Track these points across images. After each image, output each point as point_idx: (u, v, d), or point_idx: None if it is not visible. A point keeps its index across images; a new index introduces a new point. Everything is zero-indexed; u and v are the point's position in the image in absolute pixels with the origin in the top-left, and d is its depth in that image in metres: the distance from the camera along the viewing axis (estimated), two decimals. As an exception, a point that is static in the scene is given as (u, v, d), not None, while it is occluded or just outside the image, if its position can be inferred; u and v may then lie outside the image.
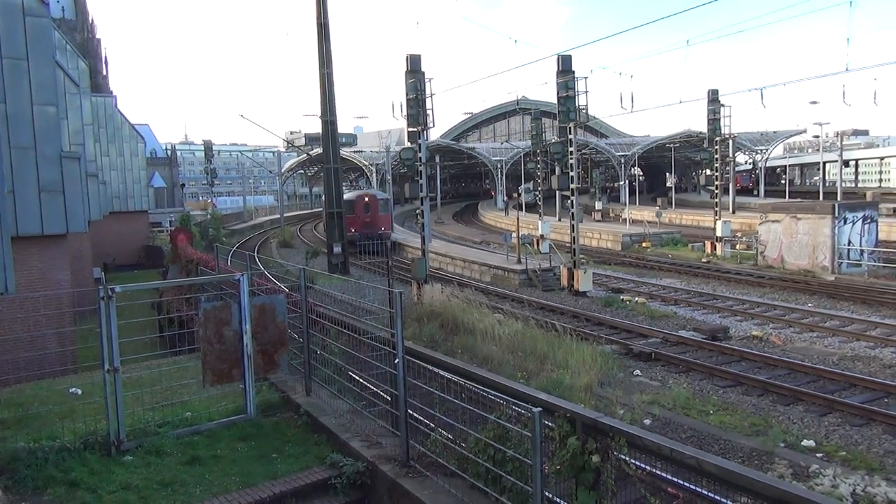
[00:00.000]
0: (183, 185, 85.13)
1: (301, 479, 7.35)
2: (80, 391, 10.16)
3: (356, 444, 7.83)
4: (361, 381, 8.71)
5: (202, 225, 48.14)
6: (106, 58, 70.21)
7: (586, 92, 26.89)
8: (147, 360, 11.22)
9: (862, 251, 27.05)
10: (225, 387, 9.21)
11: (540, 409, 5.33)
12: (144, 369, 10.16)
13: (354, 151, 75.62)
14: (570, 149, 26.18)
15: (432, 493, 6.52)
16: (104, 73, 68.79)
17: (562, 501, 5.85)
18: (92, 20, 71.23)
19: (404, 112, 23.31)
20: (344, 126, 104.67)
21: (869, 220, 27.56)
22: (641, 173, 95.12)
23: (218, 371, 8.78)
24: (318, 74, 29.14)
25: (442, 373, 7.11)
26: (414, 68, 22.78)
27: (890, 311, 20.25)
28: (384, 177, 64.57)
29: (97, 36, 69.94)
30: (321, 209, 59.46)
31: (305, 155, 64.71)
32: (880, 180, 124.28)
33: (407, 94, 22.86)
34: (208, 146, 71.36)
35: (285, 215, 66.74)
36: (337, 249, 29.85)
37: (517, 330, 15.98)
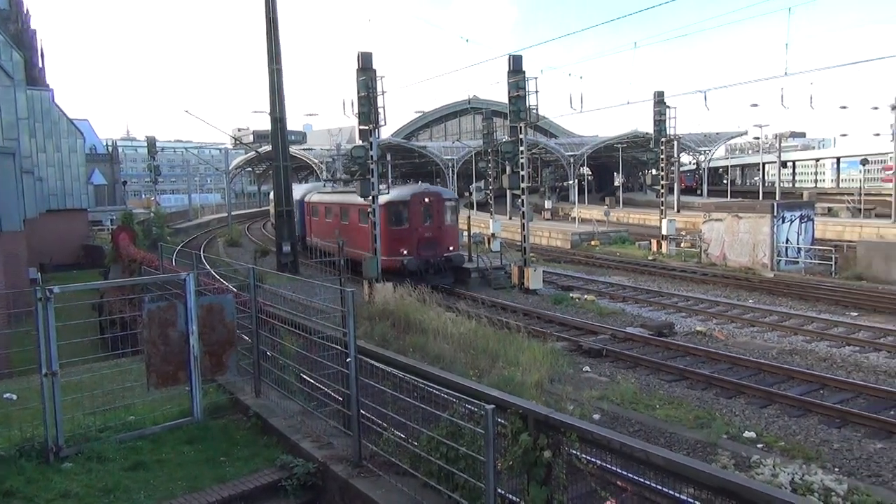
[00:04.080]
0: (125, 182, 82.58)
1: (250, 482, 7.21)
2: (14, 396, 9.74)
3: (307, 445, 7.72)
4: (313, 381, 8.59)
5: (145, 223, 46.77)
6: (42, 50, 67.33)
7: (537, 92, 27.20)
8: (88, 363, 10.81)
9: (799, 249, 28.12)
10: (170, 389, 8.95)
11: (492, 406, 5.36)
12: (85, 373, 9.79)
13: (304, 149, 74.63)
14: (521, 148, 26.43)
15: (385, 492, 6.48)
16: (40, 65, 65.97)
17: (514, 497, 5.89)
18: (27, 10, 68.31)
19: (355, 110, 23.12)
20: (293, 123, 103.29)
21: (806, 219, 28.69)
22: (590, 173, 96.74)
23: (163, 373, 8.53)
24: (267, 71, 28.66)
25: (394, 371, 7.07)
26: (365, 66, 22.61)
27: (825, 306, 21.11)
28: (334, 175, 63.97)
29: (32, 27, 67.02)
30: (270, 207, 56.62)
31: (254, 152, 63.56)
32: (816, 181, 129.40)
33: (358, 92, 22.68)
34: (151, 142, 69.35)
35: (233, 214, 65.40)
36: (286, 248, 29.41)
37: (469, 328, 16.04)
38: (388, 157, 57.14)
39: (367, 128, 22.94)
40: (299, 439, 7.92)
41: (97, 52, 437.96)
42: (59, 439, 7.70)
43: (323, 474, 7.26)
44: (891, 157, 57.65)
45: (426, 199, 25.51)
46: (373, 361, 7.30)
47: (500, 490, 5.71)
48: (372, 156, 22.99)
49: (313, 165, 74.03)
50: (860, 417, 11.30)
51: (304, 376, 8.76)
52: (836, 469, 9.34)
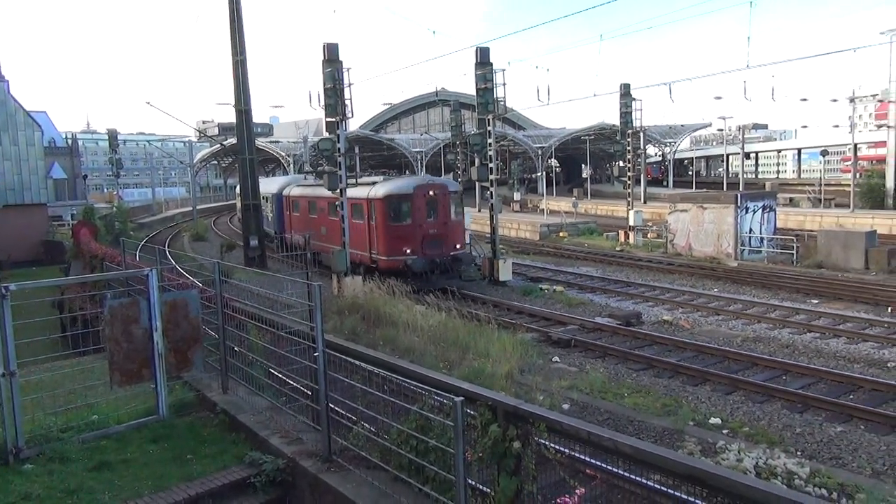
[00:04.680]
0: (85, 176, 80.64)
1: (218, 480, 7.12)
2: (-29, 397, 9.45)
3: (276, 441, 7.65)
4: (281, 376, 8.51)
5: (107, 218, 45.81)
6: (-4, 40, 65.33)
7: (504, 84, 27.20)
8: (48, 361, 10.55)
9: (762, 238, 28.70)
10: (135, 387, 8.79)
11: (462, 398, 5.36)
12: (45, 372, 9.56)
13: (271, 142, 73.78)
14: (489, 140, 26.45)
15: (355, 486, 6.46)
16: (-5, 56, 64.03)
17: (484, 488, 5.91)
18: (-20, -1, 66.09)
19: (322, 102, 22.86)
20: (259, 115, 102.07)
21: (768, 210, 29.29)
22: (558, 165, 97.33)
23: (126, 371, 8.37)
24: (231, 62, 28.18)
25: (363, 365, 7.03)
26: (331, 57, 22.36)
27: (787, 294, 21.59)
28: (302, 168, 63.35)
29: (-14, 16, 64.93)
30: (236, 201, 55.40)
31: (219, 145, 62.59)
32: (778, 172, 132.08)
33: (324, 84, 22.42)
34: (113, 135, 67.87)
35: (198, 208, 64.37)
36: (253, 242, 29.03)
37: (439, 320, 16.03)
38: (357, 150, 56.78)
39: (334, 120, 22.68)
40: (268, 435, 7.84)
41: (54, 42, 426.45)
42: (19, 440, 7.51)
43: (292, 470, 7.20)
44: (849, 149, 59.15)
45: (430, 192, 22.71)
46: (341, 355, 7.25)
47: (470, 481, 5.72)
48: (339, 148, 22.76)
49: (280, 158, 73.20)
50: (821, 402, 11.58)
51: (273, 372, 8.68)
52: (799, 453, 9.56)
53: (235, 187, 51.13)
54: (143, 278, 8.59)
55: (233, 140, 41.23)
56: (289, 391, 8.25)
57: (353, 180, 26.15)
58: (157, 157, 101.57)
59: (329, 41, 22.65)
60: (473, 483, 5.92)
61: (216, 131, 61.43)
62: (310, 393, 7.66)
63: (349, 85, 22.47)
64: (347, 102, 22.53)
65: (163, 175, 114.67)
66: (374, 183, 23.91)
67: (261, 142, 65.77)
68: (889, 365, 13.78)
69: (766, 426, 10.70)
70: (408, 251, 21.94)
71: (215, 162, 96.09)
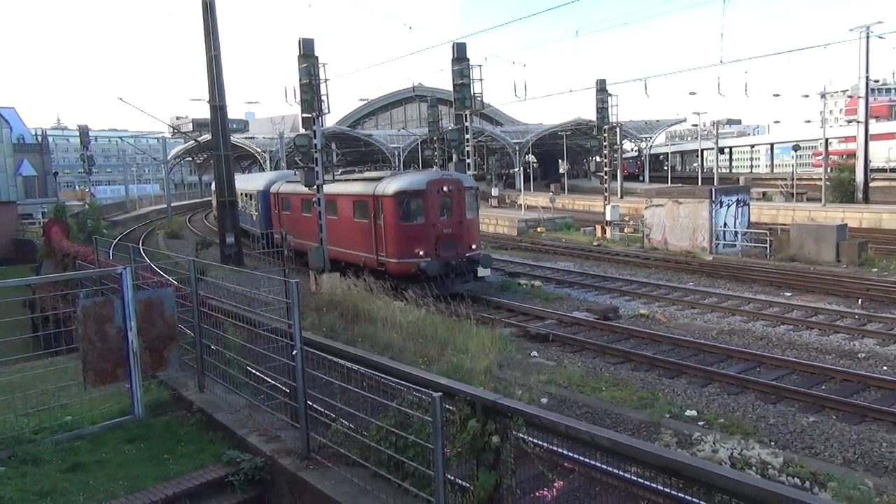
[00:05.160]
0: (56, 173, 79.17)
1: (195, 479, 7.06)
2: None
3: (254, 440, 7.61)
4: (259, 374, 8.45)
5: (79, 216, 45.08)
6: (-38, 34, 63.87)
7: (481, 80, 27.31)
8: (19, 362, 10.37)
9: (736, 232, 29.08)
10: (109, 387, 8.67)
11: (440, 393, 5.37)
12: (17, 372, 9.39)
13: (246, 138, 73.01)
14: (467, 136, 26.48)
15: (334, 483, 6.44)
16: (-39, 50, 62.58)
17: (463, 482, 5.93)
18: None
19: (298, 97, 22.70)
20: (234, 111, 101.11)
21: (742, 204, 29.66)
22: (535, 160, 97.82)
23: (101, 371, 8.25)
24: (205, 57, 27.84)
25: (342, 362, 7.01)
26: (307, 53, 22.20)
27: (761, 287, 21.92)
28: (278, 164, 62.88)
29: (-49, 10, 63.44)
30: (212, 198, 54.10)
31: (193, 141, 61.83)
32: (751, 166, 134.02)
33: (300, 79, 22.26)
34: (84, 131, 66.74)
35: (173, 205, 63.60)
36: (230, 239, 28.76)
37: (418, 316, 16.02)
38: (333, 146, 56.52)
39: (310, 116, 22.54)
40: (246, 434, 7.79)
41: (23, 37, 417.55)
42: (-10, 443, 7.37)
43: (271, 468, 7.16)
44: (820, 143, 60.16)
45: (444, 188, 20.76)
46: (320, 352, 7.23)
47: (449, 476, 5.74)
48: (316, 144, 22.63)
49: (256, 154, 72.54)
50: (794, 393, 11.79)
51: (250, 369, 8.62)
52: (773, 443, 9.73)
53: (211, 184, 50.48)
54: (117, 277, 8.47)
55: (207, 136, 40.75)
56: (267, 389, 8.20)
57: (347, 176, 25.25)
58: (130, 153, 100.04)
59: (305, 36, 22.48)
60: (453, 478, 5.94)
61: (190, 127, 60.67)
62: (288, 390, 7.62)
63: (325, 80, 22.34)
64: (324, 98, 22.39)
65: (136, 172, 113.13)
66: (380, 178, 21.84)
67: (236, 138, 65.08)
68: (859, 356, 14.07)
69: (740, 417, 10.87)
70: (420, 253, 20.07)
71: (190, 158, 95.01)
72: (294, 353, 6.94)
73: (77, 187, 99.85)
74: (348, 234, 22.71)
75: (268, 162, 67.61)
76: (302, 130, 24.12)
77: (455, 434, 5.86)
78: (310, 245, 24.09)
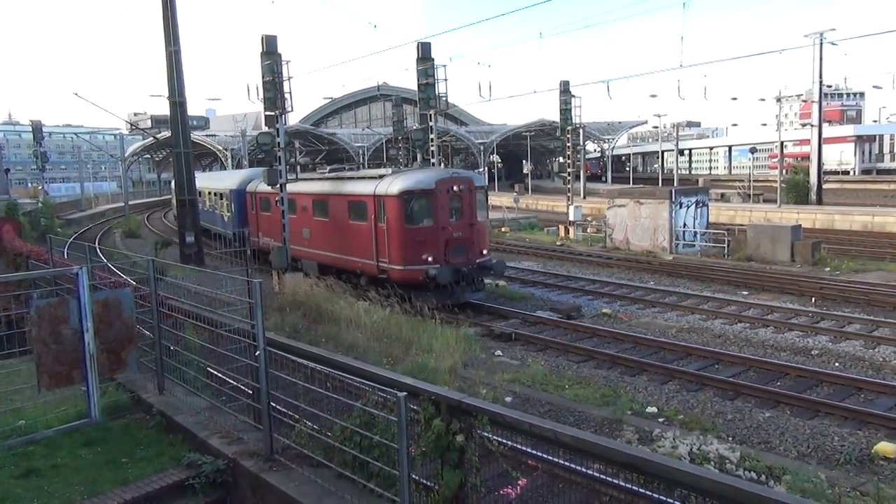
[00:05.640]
0: (7, 170, 76.66)
1: (155, 483, 6.93)
2: None
3: (216, 442, 7.50)
4: (221, 375, 8.34)
5: (32, 214, 43.68)
6: None
7: (446, 80, 27.32)
8: (-31, 365, 10.03)
9: (695, 233, 29.68)
10: (65, 390, 8.46)
11: (405, 393, 5.37)
12: (-34, 376, 9.10)
13: (207, 135, 71.83)
14: (431, 136, 26.49)
15: (297, 485, 6.39)
16: None
17: (428, 482, 5.94)
18: None
19: (261, 95, 22.41)
20: (195, 108, 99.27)
21: (701, 205, 30.29)
22: (500, 160, 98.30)
23: (55, 374, 8.04)
24: (165, 52, 27.29)
25: (305, 363, 6.95)
26: (270, 50, 21.94)
27: (719, 286, 22.41)
28: (240, 162, 62.00)
29: None
30: (171, 196, 52.53)
31: (152, 138, 60.54)
32: (710, 168, 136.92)
33: (263, 77, 21.98)
34: (37, 127, 64.86)
35: (131, 203, 62.19)
36: (190, 238, 28.24)
37: (382, 316, 15.98)
38: (297, 145, 55.89)
39: (273, 114, 22.29)
40: (207, 436, 7.68)
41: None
42: (-62, 449, 7.12)
43: (233, 470, 7.07)
44: (776, 146, 61.78)
45: (455, 187, 18.91)
46: (283, 353, 7.16)
47: (414, 476, 5.74)
48: (279, 143, 22.38)
49: (217, 152, 71.40)
50: (751, 389, 12.08)
51: (212, 371, 8.49)
52: (730, 438, 9.95)
53: (171, 182, 49.42)
54: (73, 277, 8.26)
55: (167, 133, 39.93)
56: (229, 390, 8.09)
57: (340, 174, 23.32)
58: (86, 150, 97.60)
59: (267, 33, 22.22)
60: (417, 478, 5.94)
61: (149, 124, 59.42)
62: (251, 392, 7.54)
63: (289, 78, 22.10)
64: (287, 96, 22.16)
65: (92, 169, 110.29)
66: (381, 176, 19.88)
67: (196, 135, 63.98)
68: (813, 353, 14.48)
69: (699, 413, 11.10)
70: (429, 259, 18.28)
71: (148, 156, 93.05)
72: (257, 353, 6.87)
73: (30, 185, 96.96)
74: (343, 238, 20.97)
75: (229, 160, 66.57)
76: (265, 128, 23.83)
77: (420, 433, 5.87)
78: (294, 249, 22.88)
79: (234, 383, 8.04)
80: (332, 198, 21.80)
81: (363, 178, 21.12)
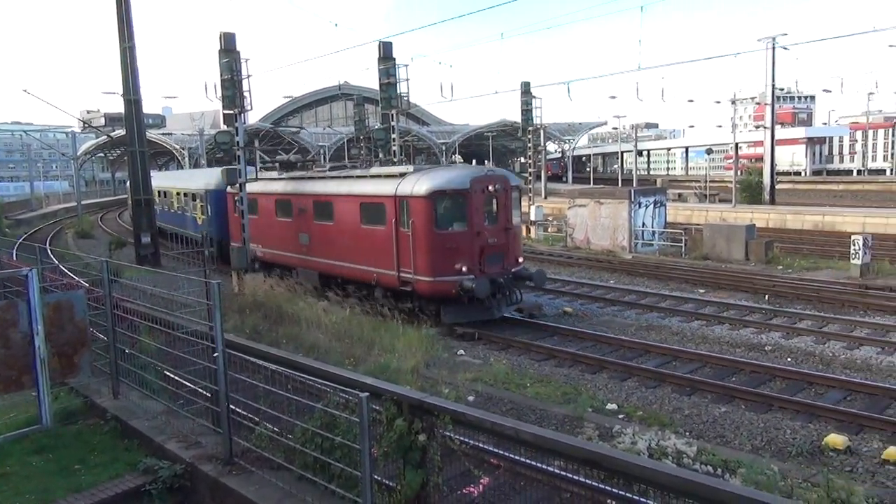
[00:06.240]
0: (-46, 169, 74.00)
1: (110, 490, 6.76)
2: None
3: (173, 446, 7.35)
4: (178, 378, 8.18)
5: (-21, 215, 42.25)
6: None
7: (407, 79, 27.30)
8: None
9: (654, 232, 30.21)
10: (14, 396, 8.20)
11: (367, 393, 5.35)
12: None
13: (163, 133, 70.45)
14: (393, 135, 26.44)
15: (258, 488, 6.31)
16: None
17: (390, 482, 5.92)
18: None
19: (219, 93, 22.07)
20: (151, 106, 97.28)
21: (659, 205, 30.85)
22: (462, 160, 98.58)
23: (4, 379, 7.78)
24: (119, 49, 26.63)
25: (266, 364, 6.87)
26: (228, 47, 21.61)
27: (677, 284, 22.85)
28: (198, 162, 60.94)
29: None
30: (126, 196, 50.73)
31: (106, 137, 59.05)
32: (668, 169, 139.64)
33: (221, 75, 21.64)
34: (-15, 125, 62.60)
35: (84, 203, 60.55)
36: (146, 239, 27.62)
37: (343, 317, 15.88)
38: (256, 144, 55.12)
39: (232, 112, 21.97)
40: (164, 440, 7.53)
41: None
42: None
43: (191, 475, 6.94)
44: (731, 147, 63.30)
45: (490, 188, 16.84)
46: (243, 355, 7.06)
47: (376, 476, 5.72)
48: (238, 142, 22.06)
49: (174, 151, 70.02)
50: (707, 385, 12.35)
51: (169, 374, 8.33)
52: (687, 433, 10.15)
53: (126, 182, 48.16)
54: (22, 279, 8.01)
55: (121, 131, 38.93)
56: (187, 394, 7.95)
57: (347, 172, 21.19)
58: (36, 148, 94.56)
59: (226, 30, 21.89)
60: (379, 478, 5.92)
61: (103, 122, 57.99)
62: (209, 395, 7.41)
63: (248, 76, 21.81)
64: (246, 94, 21.86)
65: (42, 168, 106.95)
66: (402, 174, 17.52)
67: (152, 133, 62.76)
68: (766, 348, 14.88)
69: (658, 409, 11.30)
70: (463, 269, 16.17)
71: (102, 154, 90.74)
72: (215, 355, 6.76)
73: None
74: (351, 245, 18.57)
75: (187, 159, 65.37)
76: (223, 127, 23.44)
77: (382, 434, 5.85)
78: (288, 256, 21.33)
79: (192, 386, 7.89)
80: (339, 199, 19.26)
81: (378, 176, 18.69)
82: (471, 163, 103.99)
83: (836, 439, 9.61)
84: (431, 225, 16.32)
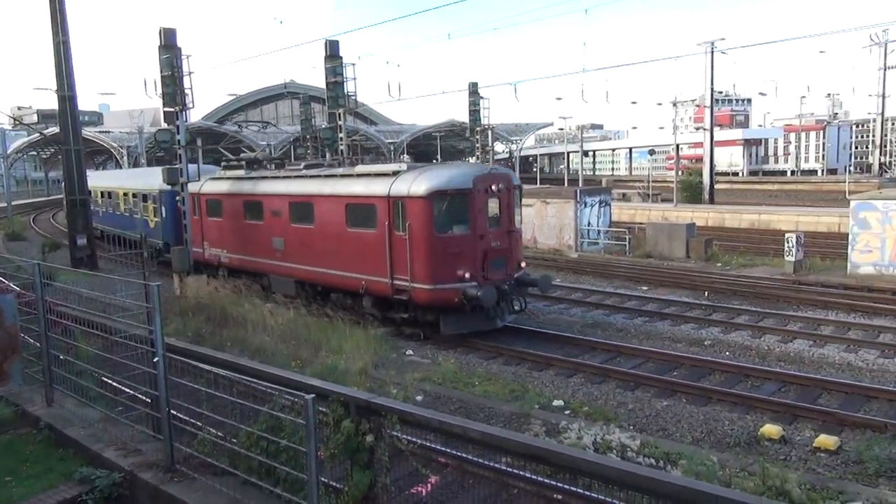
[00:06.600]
0: None
1: (43, 501, 6.51)
2: None
3: (111, 454, 7.12)
4: (116, 384, 7.91)
5: None
6: None
7: (355, 78, 27.12)
8: None
9: (599, 231, 30.81)
10: (-62, 406, 7.78)
11: (313, 395, 5.28)
12: None
13: (100, 131, 68.02)
14: (340, 135, 26.21)
15: (201, 494, 6.17)
16: None
17: (337, 484, 5.87)
18: None
19: (159, 90, 21.44)
20: (87, 103, 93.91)
21: (604, 204, 31.49)
22: (410, 161, 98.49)
23: (-73, 388, 7.38)
24: (52, 43, 25.61)
25: (209, 368, 6.71)
26: (168, 43, 21.00)
27: (621, 282, 23.35)
28: (137, 160, 59.16)
29: None
30: (61, 196, 48.46)
31: (38, 134, 56.70)
32: (612, 169, 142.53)
33: (162, 71, 21.02)
34: None
35: (15, 203, 58.01)
36: (81, 241, 26.65)
37: (290, 318, 15.66)
38: (199, 143, 53.84)
39: (173, 110, 21.37)
40: (102, 448, 7.28)
41: None
42: None
43: (130, 483, 6.73)
44: (673, 148, 65.07)
45: (494, 187, 15.65)
46: (184, 359, 6.88)
47: (323, 479, 5.66)
48: (180, 140, 21.48)
49: (112, 150, 67.73)
50: (650, 380, 12.66)
51: (106, 380, 8.05)
52: (631, 427, 10.39)
53: (60, 181, 46.24)
54: (-54, 283, 7.62)
55: (55, 129, 37.47)
56: (125, 400, 7.70)
57: (328, 170, 19.41)
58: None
59: (166, 26, 21.30)
60: (327, 480, 5.87)
61: (35, 119, 55.62)
62: (149, 400, 7.20)
63: (189, 73, 21.26)
64: (188, 92, 21.30)
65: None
66: (394, 172, 16.20)
67: (88, 131, 60.56)
68: (706, 343, 15.35)
69: (603, 405, 11.52)
70: (466, 275, 15.00)
71: (35, 153, 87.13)
72: (156, 360, 6.57)
73: None
74: (335, 250, 17.24)
75: (125, 158, 63.31)
76: (164, 125, 22.78)
77: (329, 436, 5.79)
78: (258, 262, 20.16)
79: (132, 392, 7.65)
80: (321, 200, 17.81)
81: (367, 175, 17.17)
82: (420, 162, 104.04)
83: (771, 429, 9.98)
84: (431, 228, 15.08)
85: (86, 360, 8.16)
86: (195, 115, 71.14)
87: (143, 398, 7.39)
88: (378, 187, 16.07)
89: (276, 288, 19.27)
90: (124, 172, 50.17)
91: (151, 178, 28.57)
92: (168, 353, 6.64)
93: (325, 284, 17.96)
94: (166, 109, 21.47)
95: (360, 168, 18.54)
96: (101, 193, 35.36)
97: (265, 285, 20.00)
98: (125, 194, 31.55)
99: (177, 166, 21.50)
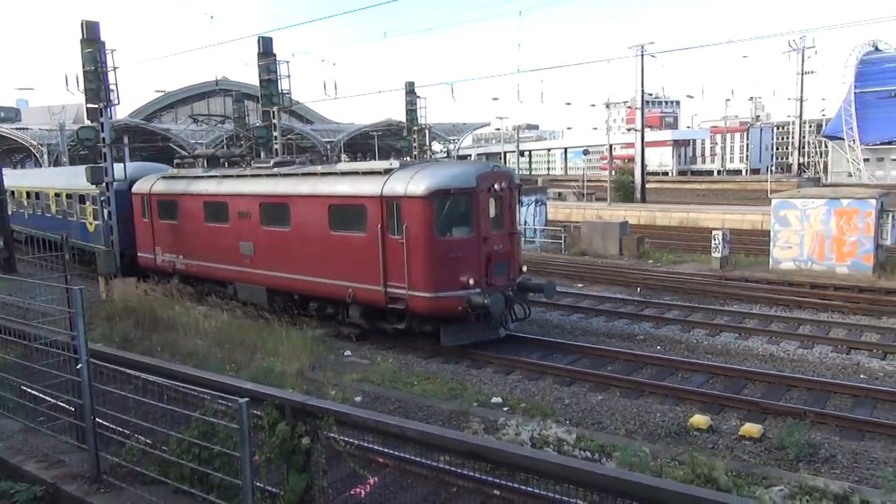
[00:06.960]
0: None
1: (-44, 520, 6.13)
2: None
3: (31, 467, 6.78)
4: (37, 393, 7.53)
5: None
6: None
7: (289, 76, 26.71)
8: None
9: (535, 230, 31.28)
10: None
11: (247, 399, 5.17)
12: None
13: (18, 128, 64.73)
14: (275, 134, 25.75)
15: (129, 505, 5.94)
16: None
17: (273, 489, 5.76)
18: None
19: (81, 85, 20.56)
20: (3, 98, 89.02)
21: (540, 203, 32.04)
22: (348, 160, 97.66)
23: None
24: (-36, 34, 24.20)
25: (137, 373, 6.47)
26: (91, 37, 20.16)
27: (557, 279, 23.63)
28: (58, 159, 56.57)
29: None
30: None
31: (-49, 131, 53.52)
32: (548, 168, 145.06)
33: (84, 66, 20.16)
34: None
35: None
36: (-1, 243, 25.30)
37: (224, 321, 15.30)
38: (126, 140, 51.91)
39: (96, 106, 20.53)
40: (21, 461, 6.92)
41: None
42: None
43: (53, 496, 6.43)
44: (606, 149, 66.72)
45: (496, 186, 14.53)
46: (111, 365, 6.62)
47: (258, 483, 5.54)
48: (104, 138, 20.65)
49: (31, 147, 64.53)
50: (585, 375, 12.94)
51: (26, 389, 7.66)
52: (567, 421, 10.59)
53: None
54: None
55: (-32, 125, 35.40)
56: (47, 409, 7.35)
57: (306, 168, 17.62)
58: None
59: (88, 18, 20.44)
60: (262, 485, 5.75)
61: (-54, 115, 52.51)
62: (73, 409, 6.89)
63: (115, 68, 20.49)
64: (113, 87, 20.51)
65: None
66: (386, 171, 14.91)
67: (4, 128, 57.74)
68: (639, 338, 15.79)
69: (540, 400, 11.70)
70: (470, 282, 13.88)
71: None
72: (79, 367, 6.29)
73: None
74: (316, 255, 15.85)
75: (46, 156, 60.44)
76: (87, 122, 21.85)
77: (264, 440, 5.68)
78: (222, 269, 18.48)
79: (54, 401, 7.31)
80: (298, 200, 16.38)
81: (354, 173, 15.86)
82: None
83: (699, 419, 10.36)
84: (431, 230, 13.87)
85: (3, 368, 7.75)
86: (121, 112, 68.55)
87: (67, 407, 7.08)
88: (368, 186, 14.81)
89: (244, 296, 17.95)
90: (57, 170, 47.35)
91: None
92: (93, 359, 6.38)
93: (302, 292, 16.69)
94: (90, 106, 20.63)
95: (343, 166, 17.48)
96: (28, 194, 32.96)
97: (230, 294, 18.52)
98: (57, 195, 28.66)
99: (101, 165, 20.66)
